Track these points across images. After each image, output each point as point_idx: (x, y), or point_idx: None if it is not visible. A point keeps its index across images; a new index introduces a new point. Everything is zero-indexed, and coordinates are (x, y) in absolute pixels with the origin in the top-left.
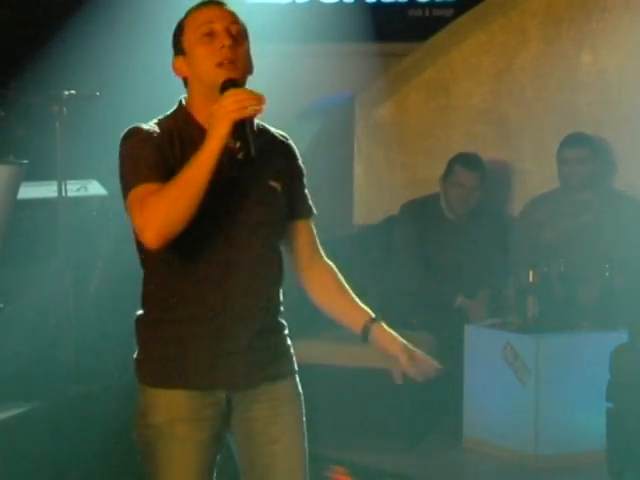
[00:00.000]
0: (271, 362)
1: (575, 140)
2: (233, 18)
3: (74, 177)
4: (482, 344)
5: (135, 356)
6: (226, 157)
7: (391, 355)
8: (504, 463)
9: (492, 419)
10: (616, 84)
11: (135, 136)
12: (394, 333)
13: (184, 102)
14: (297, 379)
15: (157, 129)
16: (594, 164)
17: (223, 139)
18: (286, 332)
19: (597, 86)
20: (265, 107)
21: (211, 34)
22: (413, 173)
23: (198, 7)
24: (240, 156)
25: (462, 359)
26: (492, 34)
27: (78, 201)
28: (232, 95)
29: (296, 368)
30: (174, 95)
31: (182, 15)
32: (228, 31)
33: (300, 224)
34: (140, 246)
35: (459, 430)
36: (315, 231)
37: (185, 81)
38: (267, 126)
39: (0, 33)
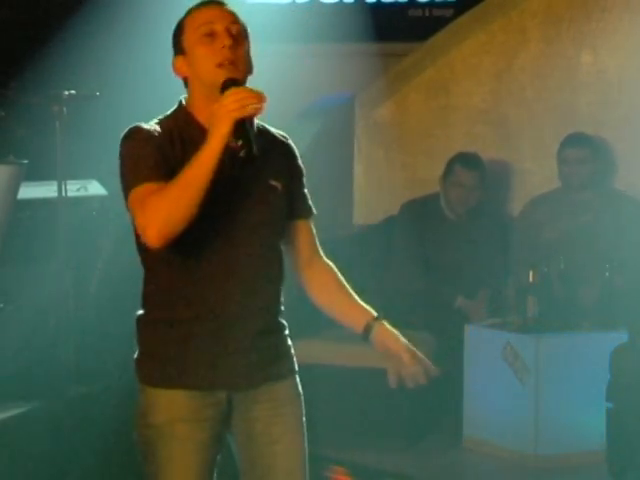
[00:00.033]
0: (272, 362)
1: (576, 140)
2: (233, 18)
3: (74, 177)
4: (482, 344)
5: (135, 356)
6: (227, 156)
7: (393, 354)
8: (504, 463)
9: (492, 419)
10: (616, 84)
11: (136, 136)
12: (396, 332)
13: (184, 102)
14: (297, 379)
15: (158, 128)
16: (594, 164)
17: (224, 138)
18: (287, 332)
19: (597, 86)
20: (265, 107)
21: (211, 34)
22: (413, 173)
23: (198, 7)
24: (242, 154)
25: (462, 359)
26: (492, 34)
27: (78, 201)
28: (233, 94)
29: (296, 368)
30: (174, 95)
31: (182, 15)
32: (228, 31)
33: (300, 224)
34: (140, 246)
35: (459, 430)
36: (315, 231)
37: (185, 81)
38: (267, 126)
39: (0, 33)
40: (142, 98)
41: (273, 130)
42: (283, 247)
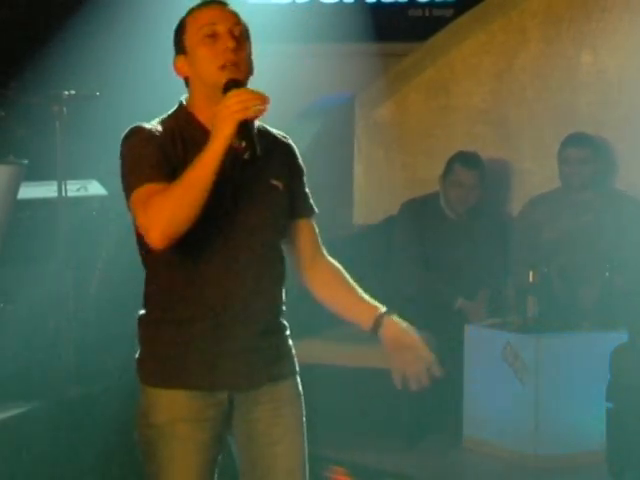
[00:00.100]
0: (273, 363)
1: (577, 140)
2: (236, 19)
3: (74, 177)
4: (482, 344)
5: (137, 356)
6: (230, 157)
7: (406, 346)
8: (504, 463)
9: (492, 419)
10: (616, 84)
11: (137, 135)
12: (406, 324)
13: (184, 102)
14: (298, 380)
15: (159, 128)
16: (595, 164)
17: (227, 139)
18: (288, 332)
19: (597, 86)
20: (267, 108)
21: (214, 35)
22: (413, 173)
23: (200, 7)
24: (247, 156)
25: (462, 359)
26: (492, 34)
27: (78, 201)
28: (236, 95)
29: (297, 369)
30: (174, 95)
31: (182, 15)
32: (231, 33)
33: (301, 223)
34: (142, 246)
35: (459, 430)
36: (317, 230)
37: (186, 80)
38: (267, 126)
39: (0, 33)
40: (142, 98)
41: (273, 130)
42: (285, 247)
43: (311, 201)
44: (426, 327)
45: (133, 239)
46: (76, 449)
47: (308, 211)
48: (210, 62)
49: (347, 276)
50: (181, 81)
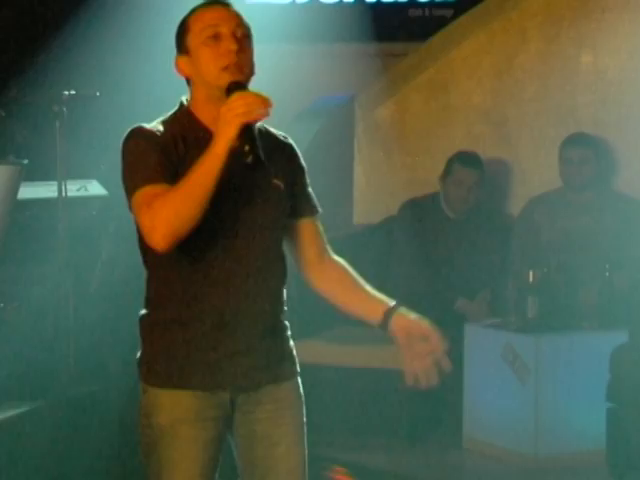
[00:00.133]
0: (275, 363)
1: (578, 140)
2: (239, 21)
3: (74, 177)
4: (482, 344)
5: (138, 356)
6: (233, 160)
7: (418, 336)
8: (504, 463)
9: (492, 419)
10: (616, 84)
11: (138, 136)
12: (417, 315)
13: (185, 102)
14: (299, 381)
15: (160, 128)
16: (596, 164)
17: (230, 142)
18: (289, 333)
19: (597, 86)
20: (270, 111)
21: (216, 37)
22: (413, 173)
23: (203, 7)
24: (249, 161)
25: (462, 359)
26: (492, 34)
27: (78, 201)
28: (240, 98)
29: (298, 369)
30: (174, 95)
31: (182, 15)
32: (234, 35)
33: (305, 223)
34: (143, 246)
35: (459, 430)
36: (322, 229)
37: (187, 80)
38: (267, 127)
39: (0, 33)
40: (142, 98)
41: (274, 131)
42: (290, 247)
43: (315, 201)
44: None
45: (133, 239)
46: (76, 449)
47: (311, 211)
48: (212, 63)
49: (354, 273)
50: (181, 81)
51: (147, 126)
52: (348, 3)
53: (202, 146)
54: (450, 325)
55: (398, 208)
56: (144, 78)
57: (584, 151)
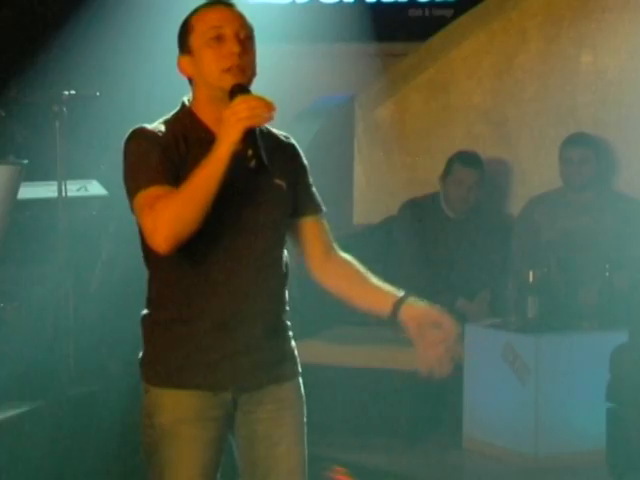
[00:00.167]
0: (277, 363)
1: (578, 140)
2: (242, 22)
3: (74, 177)
4: (482, 344)
5: (140, 356)
6: (235, 162)
7: (429, 323)
8: (504, 463)
9: (492, 419)
10: (616, 84)
11: (140, 137)
12: (426, 303)
13: (187, 103)
14: (301, 381)
15: (162, 129)
16: (596, 164)
17: (233, 145)
18: (291, 333)
19: (597, 86)
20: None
21: (220, 38)
22: (413, 173)
23: (207, 6)
24: (252, 165)
25: (462, 359)
26: (492, 34)
27: (78, 201)
28: (243, 102)
29: (300, 370)
30: (174, 95)
31: (183, 15)
32: (237, 36)
33: (310, 221)
34: (145, 247)
35: (459, 430)
36: (327, 226)
37: (190, 80)
38: (269, 127)
39: (0, 33)
40: (142, 98)
41: (275, 131)
42: (296, 246)
43: (319, 199)
44: None
45: (133, 239)
46: (76, 449)
47: (316, 209)
48: (215, 65)
49: (361, 267)
50: (181, 81)
51: (149, 126)
52: (348, 3)
53: (204, 146)
54: None
55: (398, 208)
56: (144, 78)
57: (584, 151)
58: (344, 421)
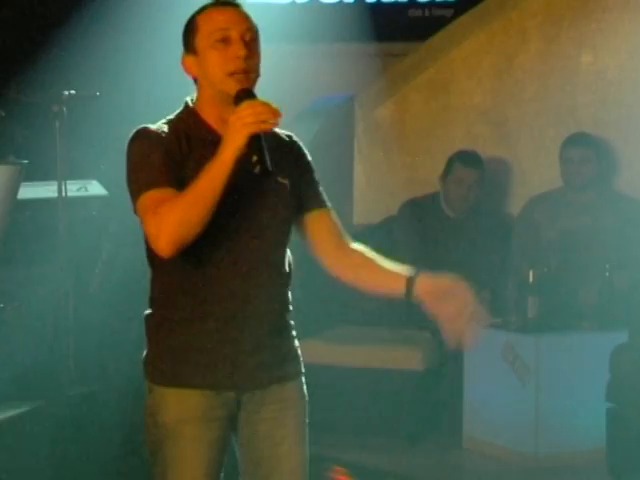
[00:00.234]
0: (280, 363)
1: (579, 140)
2: (248, 24)
3: (74, 177)
4: (482, 344)
5: (144, 355)
6: (239, 164)
7: (445, 294)
8: (504, 463)
9: (492, 419)
10: (616, 84)
11: (143, 138)
12: (440, 274)
13: (190, 103)
14: (303, 381)
15: (165, 129)
16: (597, 164)
17: (238, 151)
18: (294, 333)
19: (597, 86)
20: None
21: (226, 40)
22: (413, 173)
23: (214, 6)
24: (257, 171)
25: (462, 359)
26: (492, 34)
27: (78, 201)
28: (249, 107)
29: (303, 370)
30: (174, 95)
31: (183, 15)
32: (243, 39)
33: (318, 215)
34: (148, 247)
35: (459, 430)
36: (336, 219)
37: (194, 79)
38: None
39: (0, 33)
40: (142, 98)
41: (278, 131)
42: (307, 243)
43: (324, 196)
44: (426, 327)
45: (133, 239)
46: (76, 449)
47: (322, 203)
48: (220, 68)
49: (374, 254)
50: (181, 81)
51: (152, 127)
52: (348, 3)
53: (207, 146)
54: None
55: (398, 208)
56: (144, 78)
57: (584, 151)
58: (344, 421)
